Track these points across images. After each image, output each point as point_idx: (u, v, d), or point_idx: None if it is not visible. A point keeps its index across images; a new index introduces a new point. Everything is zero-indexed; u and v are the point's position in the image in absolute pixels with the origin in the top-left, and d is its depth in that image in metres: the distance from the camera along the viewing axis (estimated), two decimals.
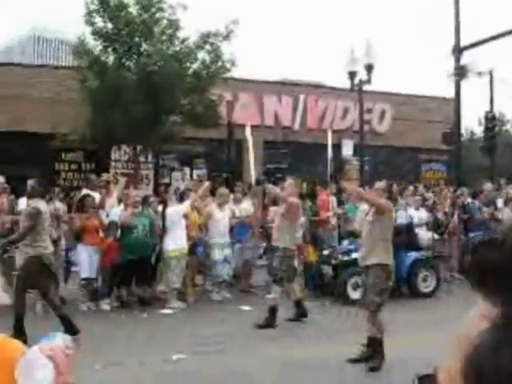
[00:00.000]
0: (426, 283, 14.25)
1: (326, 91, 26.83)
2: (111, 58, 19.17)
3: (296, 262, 12.21)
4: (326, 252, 14.34)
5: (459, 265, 17.19)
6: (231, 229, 14.31)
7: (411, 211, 16.29)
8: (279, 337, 10.35)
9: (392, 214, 8.70)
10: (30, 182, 10.63)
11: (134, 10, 18.83)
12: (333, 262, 13.81)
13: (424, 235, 15.71)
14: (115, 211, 13.44)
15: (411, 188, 18.17)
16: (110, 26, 18.77)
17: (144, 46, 18.84)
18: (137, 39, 18.78)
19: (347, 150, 23.27)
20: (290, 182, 12.02)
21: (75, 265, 13.18)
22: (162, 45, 18.37)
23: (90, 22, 18.70)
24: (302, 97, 25.84)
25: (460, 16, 21.12)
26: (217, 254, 13.64)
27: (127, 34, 18.60)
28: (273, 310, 10.98)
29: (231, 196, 15.00)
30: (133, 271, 12.93)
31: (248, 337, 10.31)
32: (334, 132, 25.28)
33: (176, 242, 12.91)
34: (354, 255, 13.34)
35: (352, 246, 13.60)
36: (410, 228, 14.84)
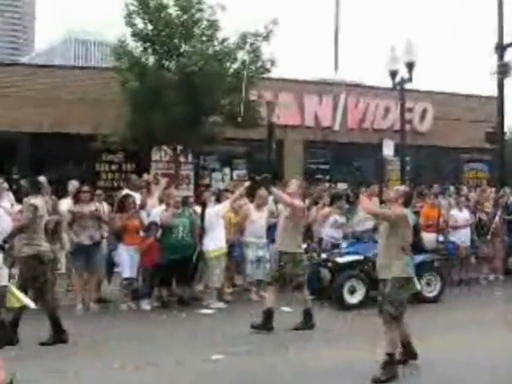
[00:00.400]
0: (430, 287, 13.60)
1: (366, 90, 26.66)
2: (151, 59, 19.22)
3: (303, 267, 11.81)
4: (324, 255, 13.78)
5: (503, 266, 16.97)
6: (270, 228, 14.26)
7: (455, 212, 16.10)
8: (314, 338, 10.28)
9: (406, 223, 8.27)
10: (22, 182, 10.83)
11: (173, 11, 18.86)
12: (329, 264, 13.27)
13: (428, 237, 14.95)
14: (156, 211, 13.48)
15: (452, 188, 17.98)
16: (149, 27, 18.82)
17: (184, 47, 18.84)
18: (176, 40, 18.80)
19: (388, 150, 23.00)
20: (294, 182, 11.53)
21: (117, 265, 13.27)
22: (201, 45, 18.36)
23: (130, 24, 18.78)
24: (342, 96, 25.69)
25: (503, 12, 20.83)
26: (250, 254, 13.61)
27: (167, 35, 18.64)
28: (307, 312, 10.87)
29: (270, 197, 14.97)
30: (173, 271, 12.96)
31: (287, 338, 10.25)
32: (374, 131, 25.26)
33: (215, 242, 12.93)
34: (352, 258, 13.03)
35: (350, 249, 13.28)
36: (416, 229, 14.28)
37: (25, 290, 9.35)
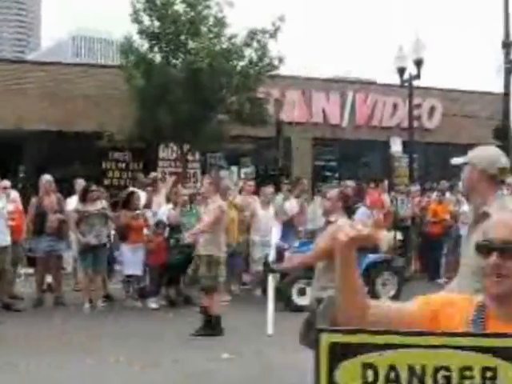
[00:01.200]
0: (386, 288, 12.86)
1: (374, 88, 26.53)
2: (158, 57, 19.16)
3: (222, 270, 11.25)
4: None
5: None
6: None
7: (466, 208, 15.98)
8: None
9: None
10: None
11: (180, 7, 18.78)
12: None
13: (385, 235, 14.05)
14: (163, 210, 13.42)
15: (460, 184, 17.85)
16: (156, 24, 18.75)
17: (191, 44, 18.76)
18: (183, 37, 18.72)
19: (396, 147, 22.90)
20: (206, 180, 10.98)
21: (120, 263, 13.28)
22: (208, 42, 18.26)
23: (136, 21, 18.72)
24: (350, 94, 25.57)
25: (509, 9, 20.64)
26: (257, 252, 13.49)
27: (174, 32, 18.56)
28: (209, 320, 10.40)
29: (279, 195, 14.94)
30: (181, 270, 12.87)
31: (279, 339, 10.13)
32: (382, 129, 25.12)
33: None
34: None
35: (304, 248, 12.11)
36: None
37: None
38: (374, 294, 12.34)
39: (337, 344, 1.89)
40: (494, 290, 2.20)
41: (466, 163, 4.27)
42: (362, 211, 13.85)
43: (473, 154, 4.28)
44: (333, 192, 7.70)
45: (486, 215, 2.88)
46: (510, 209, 3.10)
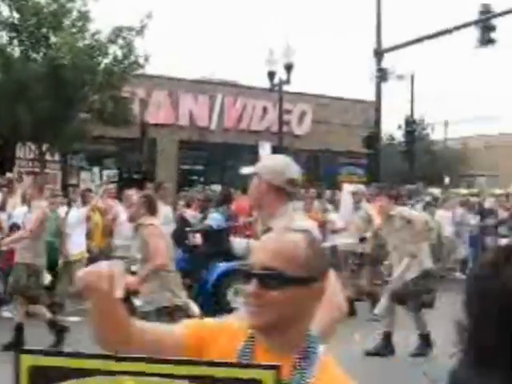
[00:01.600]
0: (240, 298, 11.90)
1: (244, 91, 26.40)
2: (17, 50, 18.35)
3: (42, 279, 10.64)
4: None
5: None
6: None
7: (334, 216, 15.94)
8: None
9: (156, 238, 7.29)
10: None
11: None
12: None
13: (239, 242, 13.67)
14: (18, 212, 12.66)
15: (328, 192, 17.95)
16: (16, 15, 17.94)
17: (52, 39, 18.04)
18: (45, 30, 18.00)
19: (265, 151, 22.85)
20: (31, 183, 10.73)
21: None
22: (71, 37, 17.57)
23: None
24: (219, 96, 25.35)
25: (381, 19, 21.01)
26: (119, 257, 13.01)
27: (35, 24, 17.79)
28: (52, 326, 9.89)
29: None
30: None
31: None
32: (251, 132, 25.02)
33: (78, 245, 12.38)
34: None
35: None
36: (221, 233, 13.36)
37: None
38: (226, 304, 11.96)
39: (37, 368, 1.62)
40: (254, 321, 1.92)
41: (255, 173, 3.99)
42: (213, 216, 13.65)
43: (260, 165, 4.07)
44: (136, 198, 8.01)
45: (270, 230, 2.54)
46: (295, 227, 2.70)
